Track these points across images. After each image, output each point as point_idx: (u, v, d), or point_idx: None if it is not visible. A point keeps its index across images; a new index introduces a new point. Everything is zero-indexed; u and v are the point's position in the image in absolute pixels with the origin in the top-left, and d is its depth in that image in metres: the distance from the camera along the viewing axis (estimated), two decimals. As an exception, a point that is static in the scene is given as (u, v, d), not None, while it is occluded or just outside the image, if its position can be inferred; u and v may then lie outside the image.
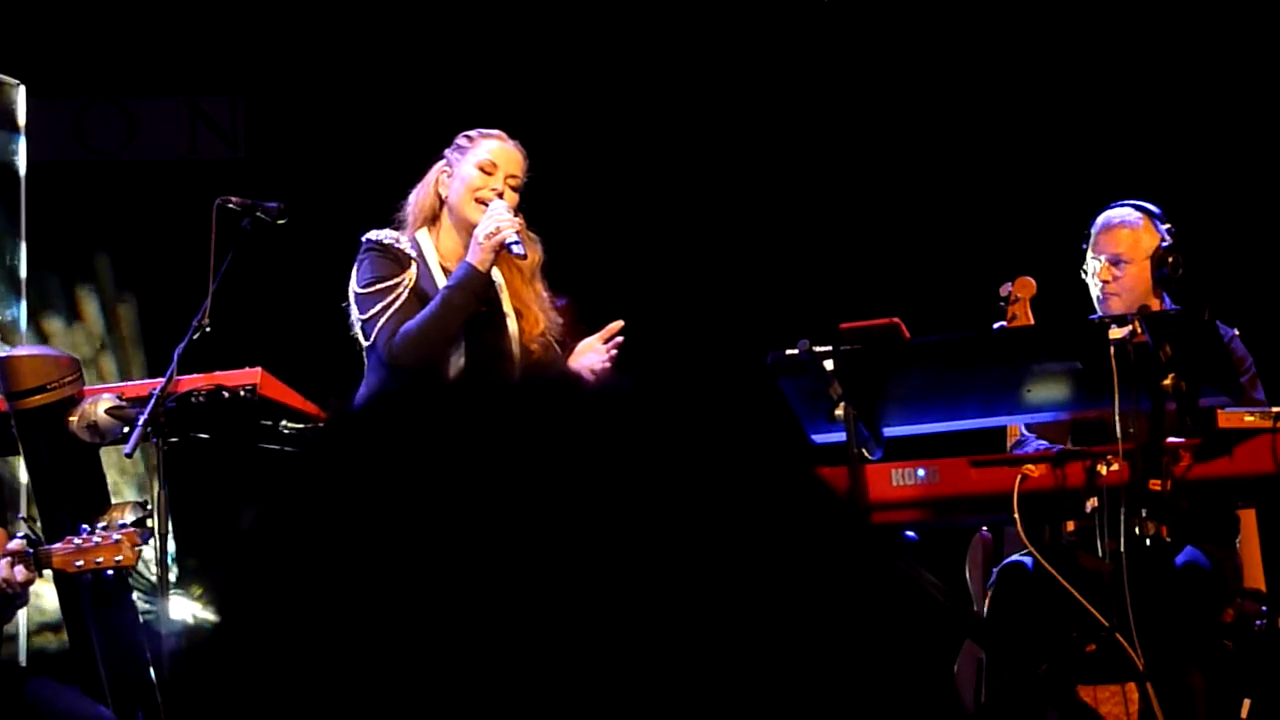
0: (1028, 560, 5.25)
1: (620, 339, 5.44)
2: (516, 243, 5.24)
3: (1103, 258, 5.63)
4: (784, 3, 8.26)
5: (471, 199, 5.36)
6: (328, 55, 8.39)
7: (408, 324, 5.22)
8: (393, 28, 8.40)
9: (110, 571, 4.94)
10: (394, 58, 8.37)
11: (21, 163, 7.74)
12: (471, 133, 5.48)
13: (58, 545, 4.95)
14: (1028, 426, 5.59)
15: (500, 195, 5.35)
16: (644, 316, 7.51)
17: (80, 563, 4.92)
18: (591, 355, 5.41)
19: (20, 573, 4.92)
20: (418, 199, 5.47)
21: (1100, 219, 5.71)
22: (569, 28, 8.36)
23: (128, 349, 7.91)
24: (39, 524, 5.59)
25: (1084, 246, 5.72)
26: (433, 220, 5.45)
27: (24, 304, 7.61)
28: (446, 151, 5.50)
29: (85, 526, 4.95)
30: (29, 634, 7.15)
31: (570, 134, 7.93)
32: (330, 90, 8.38)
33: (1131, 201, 5.73)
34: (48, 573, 5.11)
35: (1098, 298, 5.65)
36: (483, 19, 8.37)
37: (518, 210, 5.38)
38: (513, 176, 5.40)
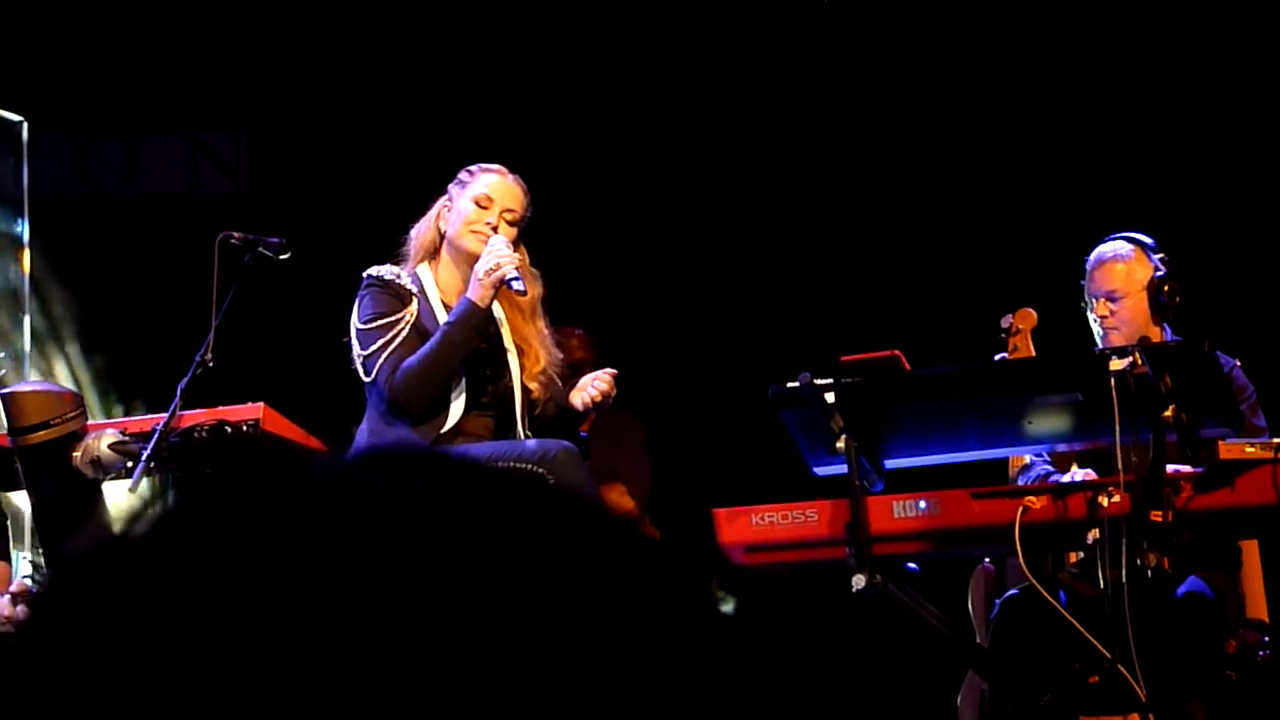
0: (1030, 592, 5.25)
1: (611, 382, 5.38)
2: (516, 279, 5.21)
3: (1099, 294, 5.65)
4: (785, 45, 8.29)
5: (467, 231, 5.33)
6: (329, 91, 8.42)
7: (408, 360, 5.19)
8: (394, 64, 8.42)
9: None
10: (395, 94, 8.40)
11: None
12: (473, 167, 5.45)
13: None
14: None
15: (495, 229, 5.32)
16: (647, 350, 7.53)
17: None
18: (590, 390, 5.39)
19: (23, 611, 4.90)
20: (419, 234, 5.44)
21: (1094, 256, 5.72)
22: (571, 66, 8.38)
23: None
24: (44, 559, 5.59)
25: (1082, 284, 5.74)
26: (433, 255, 5.42)
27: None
28: (449, 186, 5.47)
29: None
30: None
31: (573, 167, 7.94)
32: (332, 126, 8.40)
33: (1123, 235, 5.74)
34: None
35: (1098, 334, 5.67)
36: (483, 55, 8.39)
37: (518, 244, 5.36)
38: (510, 211, 5.36)
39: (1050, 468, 5.49)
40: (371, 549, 0.80)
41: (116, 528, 0.86)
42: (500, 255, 5.20)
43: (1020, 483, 5.42)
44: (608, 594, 0.83)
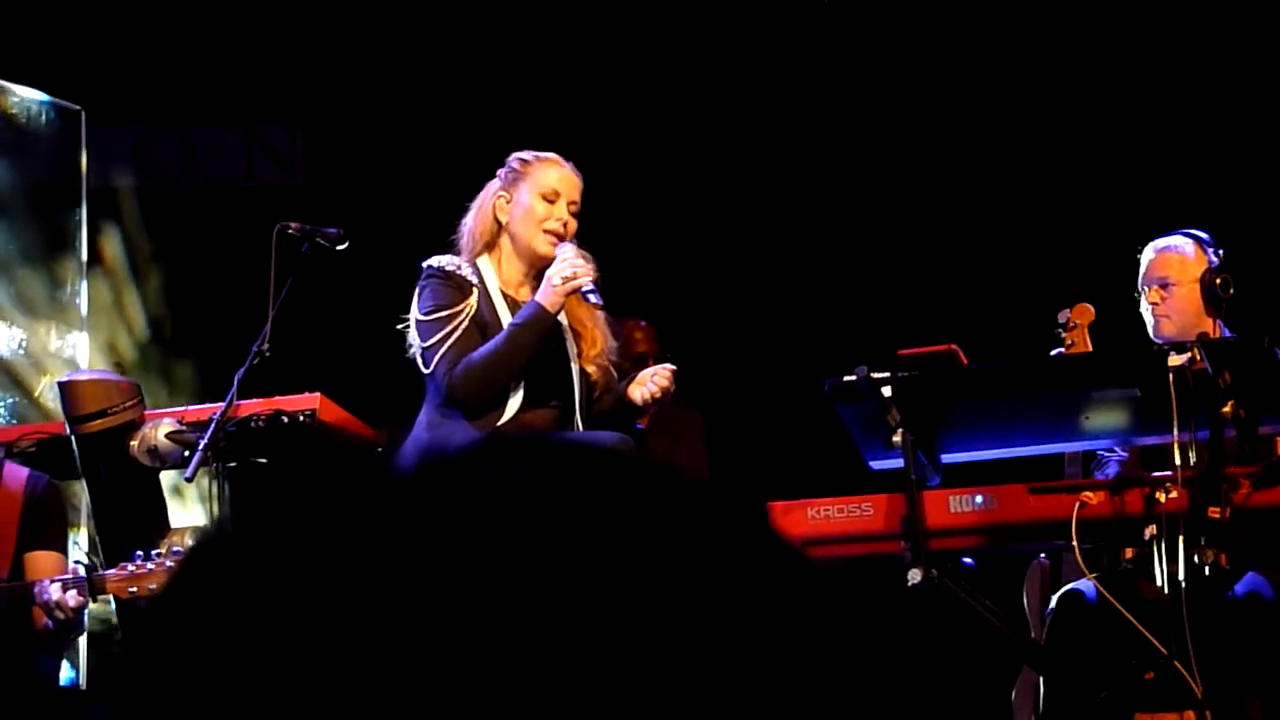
0: (1086, 587, 5.24)
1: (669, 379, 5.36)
2: (593, 291, 5.18)
3: (1152, 281, 5.66)
4: (863, 45, 8.28)
5: (539, 231, 5.29)
6: (384, 85, 8.44)
7: (470, 357, 5.14)
8: (447, 58, 8.44)
9: None
10: (447, 86, 8.41)
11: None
12: (526, 156, 5.39)
13: (112, 571, 4.94)
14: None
15: (565, 224, 5.29)
16: (704, 344, 7.53)
17: (134, 589, 4.89)
18: (650, 385, 5.35)
19: (73, 598, 4.93)
20: (475, 225, 5.37)
21: (1149, 246, 5.74)
22: (624, 58, 8.39)
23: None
24: (100, 547, 5.62)
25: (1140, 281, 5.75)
26: (490, 245, 5.38)
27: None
28: (501, 173, 5.40)
29: (139, 553, 4.94)
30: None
31: (625, 155, 7.94)
32: (386, 121, 8.43)
33: (1182, 230, 5.77)
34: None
35: (1150, 324, 5.67)
36: (535, 46, 8.41)
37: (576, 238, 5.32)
38: (574, 202, 5.33)
39: (1124, 454, 5.50)
40: (502, 545, 0.80)
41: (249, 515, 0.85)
42: (577, 264, 5.17)
43: (1097, 477, 5.42)
44: (738, 572, 0.83)
